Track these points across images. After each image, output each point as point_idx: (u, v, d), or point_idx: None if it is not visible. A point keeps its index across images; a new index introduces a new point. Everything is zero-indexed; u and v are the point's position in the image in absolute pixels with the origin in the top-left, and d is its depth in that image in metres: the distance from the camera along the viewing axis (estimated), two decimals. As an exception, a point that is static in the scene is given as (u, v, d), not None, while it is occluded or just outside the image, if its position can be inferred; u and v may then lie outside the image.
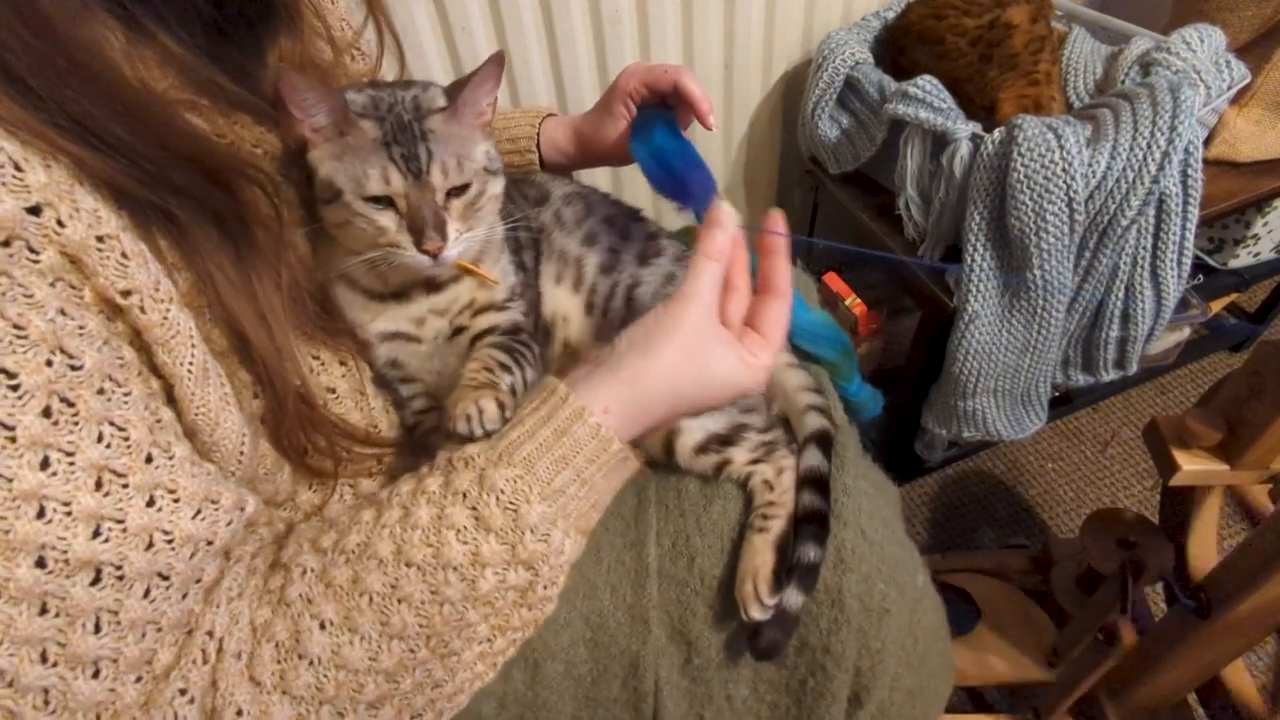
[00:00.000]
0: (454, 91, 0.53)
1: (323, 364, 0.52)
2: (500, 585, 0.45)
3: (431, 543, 0.43)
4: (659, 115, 0.68)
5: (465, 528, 0.44)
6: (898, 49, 1.12)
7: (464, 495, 0.44)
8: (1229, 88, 0.99)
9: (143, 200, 0.38)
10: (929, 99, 0.96)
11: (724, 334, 0.49)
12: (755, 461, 0.56)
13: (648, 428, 0.49)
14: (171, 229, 0.40)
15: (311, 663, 0.42)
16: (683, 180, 0.60)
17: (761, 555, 0.52)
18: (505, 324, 0.57)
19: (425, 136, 0.50)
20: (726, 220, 0.49)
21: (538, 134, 0.74)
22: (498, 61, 0.51)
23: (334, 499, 0.54)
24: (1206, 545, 0.99)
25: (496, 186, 0.55)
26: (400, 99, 0.51)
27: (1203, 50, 0.97)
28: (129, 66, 0.40)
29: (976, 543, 1.29)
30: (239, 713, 0.40)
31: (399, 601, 0.43)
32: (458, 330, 0.57)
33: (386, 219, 0.50)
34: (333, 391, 0.52)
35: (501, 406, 0.47)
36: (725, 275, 0.49)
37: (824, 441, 0.59)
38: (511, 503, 0.44)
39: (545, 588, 0.47)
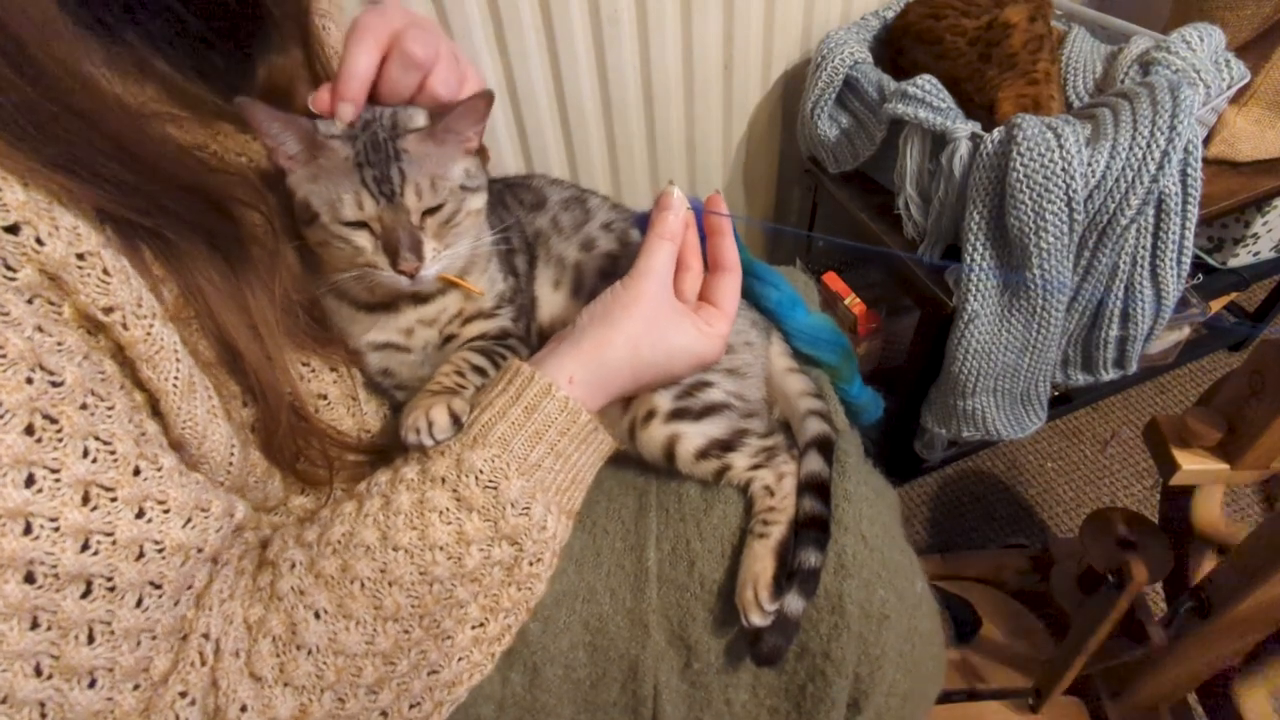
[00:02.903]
0: (436, 116, 0.51)
1: (313, 371, 0.52)
2: (486, 561, 0.46)
3: (416, 525, 0.45)
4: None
5: (448, 509, 0.45)
6: (896, 48, 1.12)
7: (443, 480, 0.46)
8: (1228, 87, 0.98)
9: (132, 221, 0.38)
10: (928, 98, 0.96)
11: (680, 306, 0.52)
12: (756, 467, 0.56)
13: (612, 396, 0.52)
14: (159, 244, 0.40)
15: (310, 652, 0.43)
16: None
17: (762, 561, 0.52)
18: (493, 331, 0.57)
19: (399, 157, 0.48)
20: (676, 203, 0.52)
21: None
22: (486, 99, 0.50)
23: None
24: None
25: (476, 202, 0.54)
26: (379, 115, 0.50)
27: (1202, 49, 0.97)
28: (108, 82, 0.40)
29: (976, 542, 1.29)
30: (243, 709, 0.41)
31: (390, 584, 0.44)
32: (447, 339, 0.57)
33: (363, 239, 0.49)
34: (324, 398, 0.52)
35: (454, 416, 0.48)
36: (679, 254, 0.53)
37: (825, 447, 0.58)
38: (491, 481, 0.46)
39: (530, 564, 0.49)
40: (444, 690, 0.48)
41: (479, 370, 0.53)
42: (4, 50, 0.33)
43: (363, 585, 0.44)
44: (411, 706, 0.47)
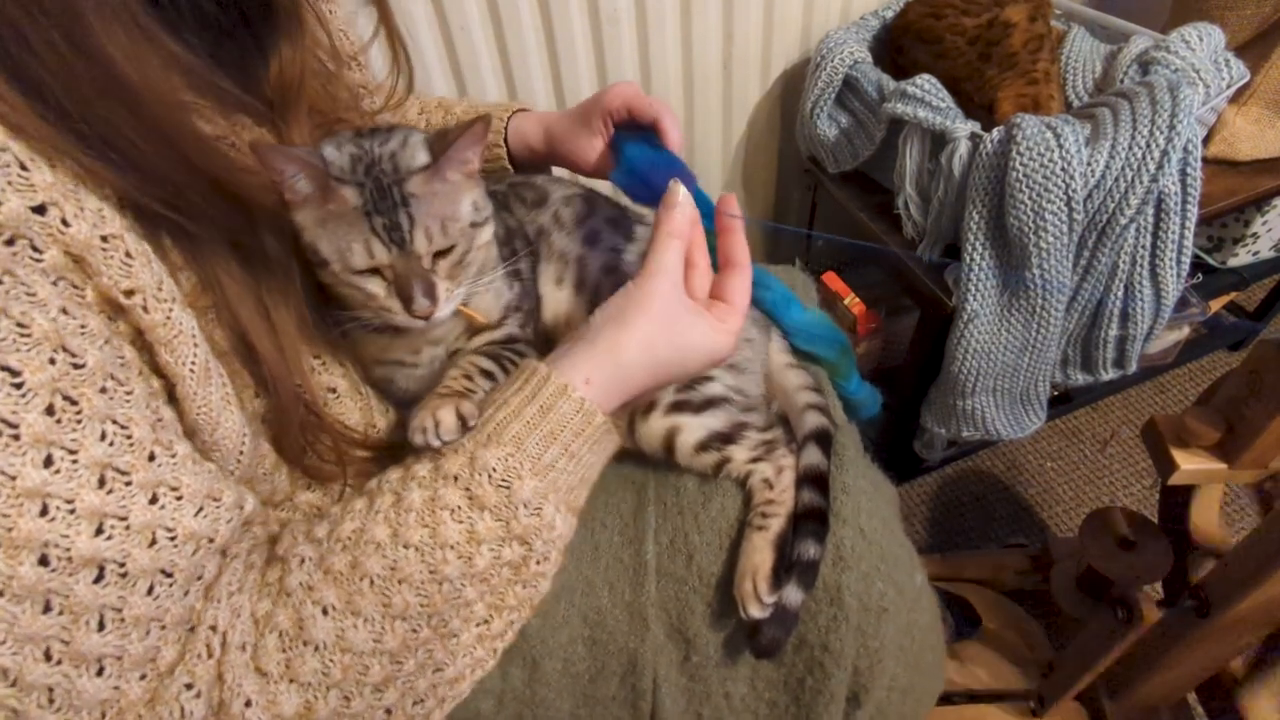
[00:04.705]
0: (437, 146, 0.50)
1: (324, 364, 0.52)
2: (496, 561, 0.46)
3: (427, 523, 0.44)
4: (640, 136, 0.66)
5: (460, 507, 0.45)
6: (896, 48, 1.12)
7: (455, 478, 0.45)
8: (1228, 86, 0.98)
9: (154, 210, 0.38)
10: (928, 98, 0.96)
11: (691, 304, 0.51)
12: (755, 460, 0.56)
13: (628, 397, 0.51)
14: (179, 233, 0.41)
15: (317, 648, 0.42)
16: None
17: (761, 553, 0.52)
18: (500, 338, 0.57)
19: (406, 202, 0.48)
20: (682, 200, 0.52)
21: (506, 128, 0.73)
22: (485, 123, 0.50)
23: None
24: (1206, 540, 0.99)
25: (485, 235, 0.53)
26: (379, 157, 0.49)
27: (1202, 49, 0.97)
28: (134, 70, 0.40)
29: (976, 542, 1.29)
30: (247, 704, 0.41)
31: (399, 582, 0.43)
32: (454, 353, 0.57)
33: (375, 286, 0.49)
34: (333, 391, 0.53)
35: (461, 418, 0.47)
36: (686, 253, 0.52)
37: (823, 440, 0.59)
38: (504, 480, 0.45)
39: (539, 563, 0.48)
40: (447, 686, 0.48)
41: (487, 374, 0.53)
42: (62, 25, 0.33)
43: (372, 582, 0.43)
44: (415, 704, 0.47)
